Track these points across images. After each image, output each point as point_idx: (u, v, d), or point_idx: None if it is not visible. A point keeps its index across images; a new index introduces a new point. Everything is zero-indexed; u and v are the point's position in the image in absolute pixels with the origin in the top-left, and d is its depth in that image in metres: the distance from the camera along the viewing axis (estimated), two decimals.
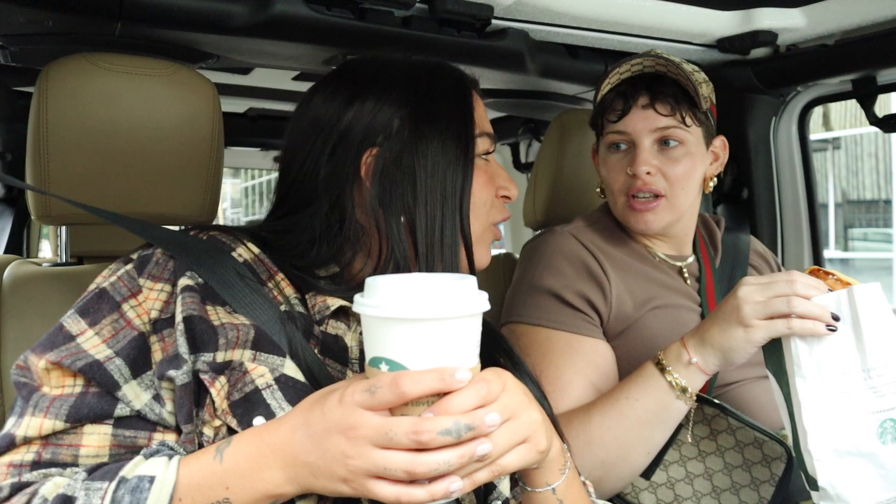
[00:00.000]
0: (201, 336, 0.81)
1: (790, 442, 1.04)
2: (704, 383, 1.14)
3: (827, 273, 1.05)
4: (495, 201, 0.99)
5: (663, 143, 1.33)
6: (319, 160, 0.94)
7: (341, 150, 0.93)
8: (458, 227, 0.91)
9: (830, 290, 1.01)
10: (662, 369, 1.13)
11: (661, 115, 1.32)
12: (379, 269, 0.92)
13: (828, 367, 0.98)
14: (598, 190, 1.48)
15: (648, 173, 1.32)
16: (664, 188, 1.33)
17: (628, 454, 1.16)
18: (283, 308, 0.88)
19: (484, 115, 1.01)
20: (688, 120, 1.32)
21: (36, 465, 0.77)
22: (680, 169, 1.33)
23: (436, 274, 0.80)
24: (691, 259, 1.46)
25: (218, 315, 0.84)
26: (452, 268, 0.90)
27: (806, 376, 0.99)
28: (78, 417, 0.78)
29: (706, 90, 1.36)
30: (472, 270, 0.94)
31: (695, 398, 1.13)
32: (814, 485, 0.99)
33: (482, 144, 0.98)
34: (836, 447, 0.97)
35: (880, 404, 0.97)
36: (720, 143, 1.43)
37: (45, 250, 3.03)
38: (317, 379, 0.84)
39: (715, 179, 1.44)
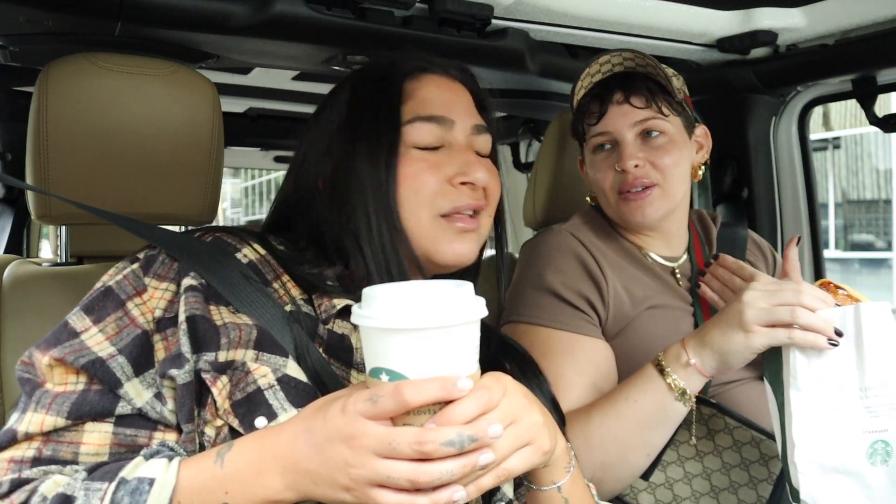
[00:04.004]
0: (204, 335, 0.81)
1: (779, 451, 1.03)
2: (703, 385, 1.14)
3: (837, 287, 1.05)
4: (447, 188, 0.94)
5: (646, 135, 1.34)
6: (295, 175, 1.01)
7: (307, 163, 1.00)
8: (392, 222, 0.91)
9: (838, 305, 1.00)
10: (662, 370, 1.13)
11: (638, 108, 1.34)
12: (358, 273, 0.94)
13: (825, 381, 0.98)
14: (589, 199, 1.50)
15: (637, 166, 1.32)
16: (656, 178, 1.34)
17: (628, 455, 1.16)
18: (288, 308, 0.88)
19: (436, 96, 0.98)
20: (664, 109, 1.34)
21: (36, 461, 0.77)
22: (668, 158, 1.34)
23: (433, 281, 0.80)
24: (683, 259, 1.46)
25: (221, 315, 0.84)
26: (400, 266, 0.91)
27: (801, 388, 0.99)
28: (79, 415, 0.78)
29: (678, 83, 1.38)
30: (441, 267, 0.95)
31: (694, 400, 1.13)
32: (797, 497, 0.99)
33: (413, 131, 0.95)
34: (822, 462, 0.97)
35: (874, 425, 0.97)
36: (702, 132, 1.46)
37: (45, 250, 3.03)
38: (321, 379, 0.84)
39: (703, 168, 1.46)
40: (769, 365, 1.06)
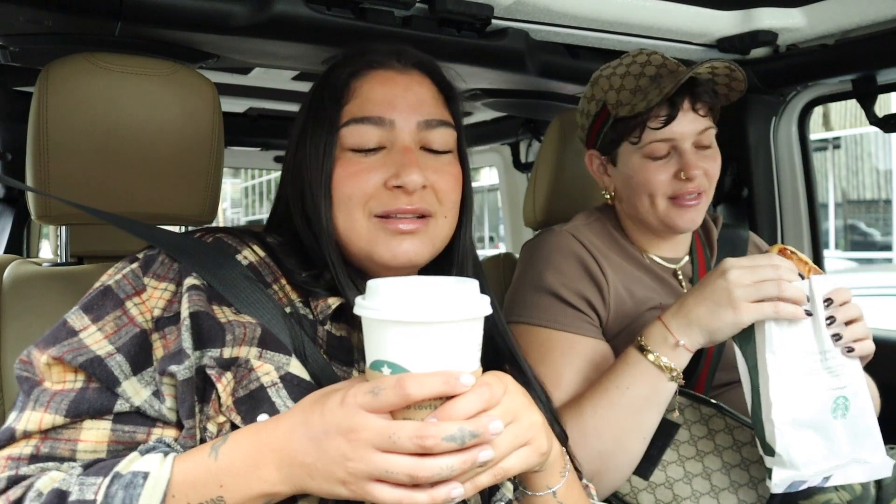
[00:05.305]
0: (208, 332, 0.81)
1: (750, 411, 1.11)
2: (688, 360, 1.16)
3: (792, 252, 1.13)
4: (381, 192, 0.91)
5: (699, 145, 1.34)
6: (283, 172, 1.03)
7: (285, 165, 1.01)
8: (321, 225, 0.92)
9: (801, 274, 1.10)
10: (649, 354, 1.15)
11: (701, 116, 1.34)
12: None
13: (793, 347, 1.08)
14: (609, 197, 1.45)
15: (697, 175, 1.32)
16: (705, 186, 1.35)
17: (625, 442, 1.17)
18: (287, 310, 0.89)
19: (379, 95, 0.94)
20: (716, 118, 1.36)
21: (34, 458, 0.78)
22: (715, 166, 1.36)
23: (438, 277, 0.80)
24: (685, 260, 1.46)
25: (224, 314, 0.84)
26: (339, 268, 0.91)
27: (776, 353, 1.07)
28: (78, 413, 0.79)
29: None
30: (384, 268, 0.93)
31: (682, 377, 1.15)
32: (769, 451, 1.08)
33: (349, 134, 0.92)
34: (795, 418, 1.06)
35: (835, 383, 1.08)
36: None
37: (45, 250, 3.03)
38: (321, 380, 0.84)
39: None
40: (740, 332, 1.13)
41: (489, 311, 0.70)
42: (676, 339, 1.13)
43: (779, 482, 1.08)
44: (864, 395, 1.10)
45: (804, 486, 1.09)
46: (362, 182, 0.91)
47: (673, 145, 1.33)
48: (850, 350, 1.08)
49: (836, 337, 1.08)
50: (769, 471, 1.09)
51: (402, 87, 0.95)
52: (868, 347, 1.10)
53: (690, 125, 1.32)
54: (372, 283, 0.70)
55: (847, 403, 1.08)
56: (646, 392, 1.15)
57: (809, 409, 1.07)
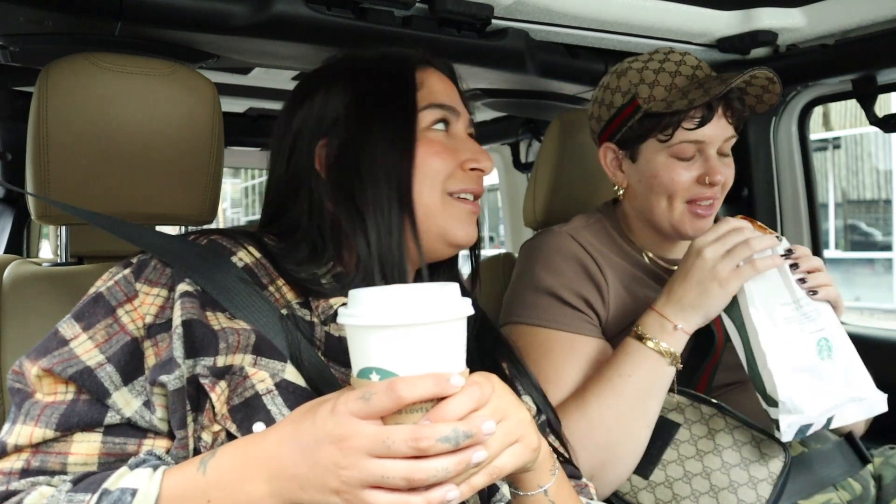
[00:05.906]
0: (201, 340, 0.80)
1: (746, 368, 1.17)
2: (685, 342, 1.19)
3: (752, 220, 1.20)
4: (457, 172, 0.98)
5: (721, 152, 1.34)
6: (287, 161, 0.99)
7: (298, 147, 0.98)
8: (402, 199, 0.92)
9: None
10: (648, 341, 1.17)
11: (729, 123, 1.33)
12: (357, 260, 0.93)
13: (771, 298, 1.16)
14: (621, 192, 1.43)
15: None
16: (719, 195, 1.35)
17: (631, 430, 1.18)
18: (284, 312, 0.88)
19: (442, 88, 1.01)
20: (739, 128, 1.36)
21: (25, 472, 0.77)
22: (731, 176, 1.36)
23: (419, 284, 0.80)
24: None
25: (218, 320, 0.83)
26: (401, 246, 0.91)
27: (758, 306, 1.15)
28: (68, 426, 0.78)
29: None
30: (452, 246, 0.96)
31: (680, 361, 1.19)
32: (772, 402, 1.13)
33: (429, 116, 0.98)
34: (790, 364, 1.13)
35: (813, 326, 1.15)
36: None
37: (45, 250, 3.03)
38: (318, 383, 0.83)
39: None
40: None
41: (471, 311, 0.70)
42: (674, 324, 1.17)
43: (786, 429, 1.12)
44: (843, 336, 1.17)
45: (811, 431, 1.14)
46: (444, 161, 0.96)
47: (700, 148, 1.32)
48: (815, 293, 1.16)
49: (801, 280, 1.16)
50: (776, 421, 1.13)
51: (449, 85, 1.03)
52: (833, 294, 1.18)
53: (721, 130, 1.32)
54: (354, 293, 0.70)
55: (829, 344, 1.15)
56: (648, 377, 1.17)
57: (798, 353, 1.13)
